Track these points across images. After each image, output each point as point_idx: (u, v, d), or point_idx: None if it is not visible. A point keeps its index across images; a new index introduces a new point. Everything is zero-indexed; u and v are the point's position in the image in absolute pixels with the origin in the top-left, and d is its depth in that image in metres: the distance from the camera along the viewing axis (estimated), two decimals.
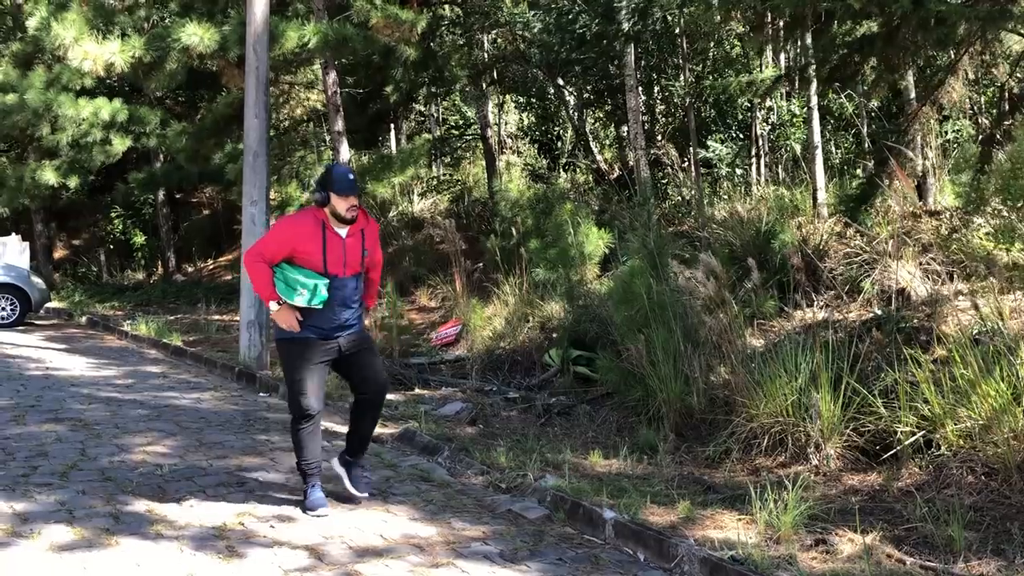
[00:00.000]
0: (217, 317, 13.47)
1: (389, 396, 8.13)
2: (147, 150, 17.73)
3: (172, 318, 13.50)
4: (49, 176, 15.89)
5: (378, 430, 6.95)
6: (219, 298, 14.89)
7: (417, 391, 8.39)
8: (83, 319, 15.54)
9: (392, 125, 17.21)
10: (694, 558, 4.09)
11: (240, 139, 10.96)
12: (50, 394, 8.28)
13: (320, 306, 4.71)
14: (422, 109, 18.18)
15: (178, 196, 21.66)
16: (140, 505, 4.97)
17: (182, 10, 12.45)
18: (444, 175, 17.27)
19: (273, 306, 4.74)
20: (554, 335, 8.95)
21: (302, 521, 4.80)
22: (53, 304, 16.61)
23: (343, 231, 4.77)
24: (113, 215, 21.83)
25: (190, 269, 19.91)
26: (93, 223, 22.89)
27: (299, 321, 4.73)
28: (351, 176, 4.71)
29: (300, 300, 4.67)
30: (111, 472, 5.63)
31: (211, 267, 19.86)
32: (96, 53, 9.87)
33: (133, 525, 4.63)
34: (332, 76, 12.31)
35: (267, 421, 7.23)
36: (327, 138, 13.73)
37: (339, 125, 12.28)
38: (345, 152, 12.34)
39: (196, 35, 10.10)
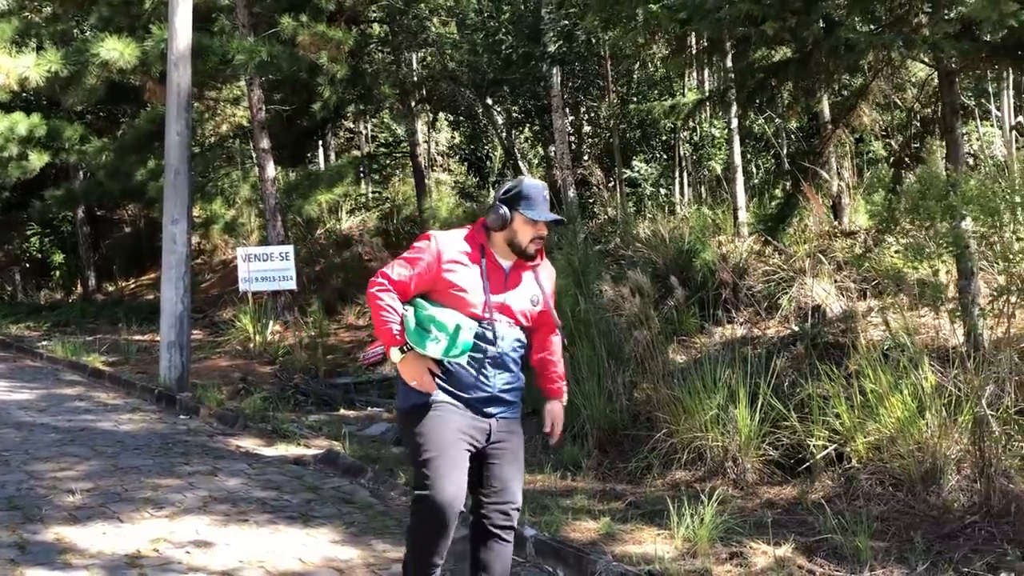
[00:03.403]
0: (138, 337, 13.13)
1: (313, 416, 8.09)
2: (66, 166, 17.24)
3: (91, 338, 13.11)
4: None
5: (300, 451, 6.89)
6: (141, 318, 14.51)
7: (342, 412, 8.31)
8: None
9: (320, 142, 17.08)
10: (612, 574, 4.14)
11: (163, 155, 10.76)
12: None
13: (461, 359, 3.29)
14: (351, 126, 18.09)
15: (99, 213, 21.08)
16: (49, 534, 4.81)
17: (102, 24, 12.18)
18: (373, 193, 17.20)
19: (396, 354, 3.28)
20: None
21: (219, 546, 4.71)
22: None
23: (507, 263, 3.43)
24: (30, 233, 21.13)
25: (111, 288, 19.37)
26: (8, 241, 22.12)
27: (433, 377, 3.32)
28: (547, 195, 3.42)
29: (435, 349, 3.23)
30: (18, 500, 5.43)
31: (133, 286, 19.35)
32: (9, 67, 9.60)
33: (40, 555, 4.48)
34: (257, 93, 12.18)
35: (186, 444, 7.08)
36: (253, 155, 13.55)
37: (264, 143, 12.15)
38: (271, 170, 12.21)
39: (116, 50, 9.91)
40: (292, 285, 11.26)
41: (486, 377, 3.33)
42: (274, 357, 10.69)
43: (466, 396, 3.33)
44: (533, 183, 3.40)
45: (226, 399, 8.68)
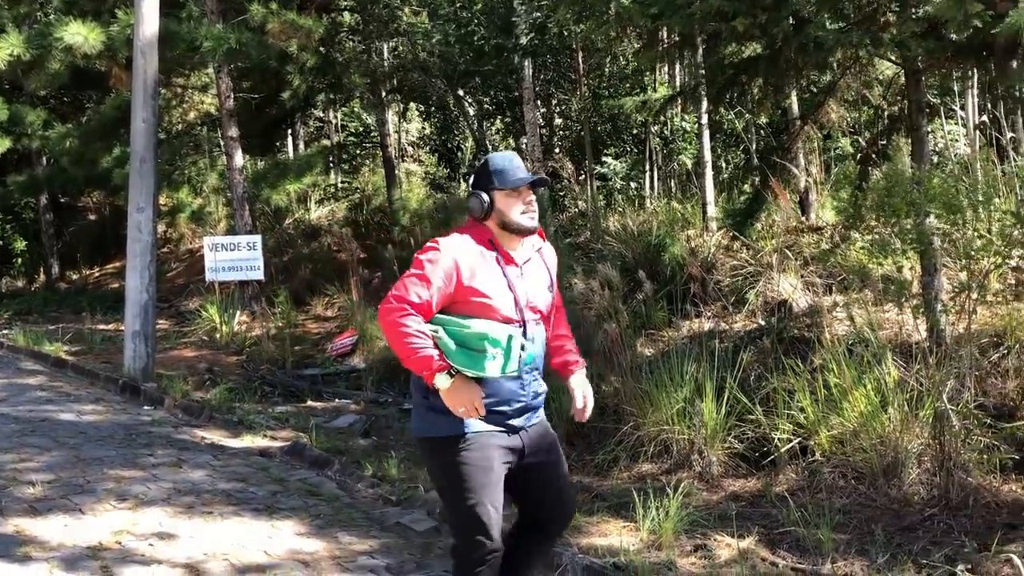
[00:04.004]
0: (102, 327, 12.94)
1: (280, 408, 8.03)
2: (29, 152, 16.93)
3: (54, 327, 12.89)
4: None
5: (266, 443, 6.84)
6: (105, 307, 14.31)
7: (310, 403, 8.26)
8: None
9: (289, 131, 16.93)
10: (577, 566, 4.16)
11: (128, 143, 10.61)
12: None
13: (516, 373, 3.03)
14: (321, 116, 17.94)
15: (63, 200, 20.71)
16: (8, 526, 4.74)
17: (66, 7, 11.96)
18: (343, 183, 17.08)
19: (444, 380, 2.92)
20: None
21: (183, 538, 4.67)
22: None
23: (519, 253, 3.14)
24: None
25: (75, 276, 19.08)
26: None
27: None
28: (518, 161, 3.14)
29: (494, 367, 2.94)
30: None
31: (97, 274, 19.08)
32: None
33: (0, 548, 4.42)
34: (226, 81, 12.04)
35: (151, 435, 7.00)
36: (221, 143, 13.40)
37: (233, 131, 12.02)
38: (239, 158, 12.08)
39: (80, 35, 9.74)
40: (260, 275, 11.18)
41: (523, 386, 3.07)
42: (241, 348, 10.60)
43: (503, 411, 3.04)
44: (499, 155, 3.15)
45: (191, 390, 8.59)
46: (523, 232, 3.09)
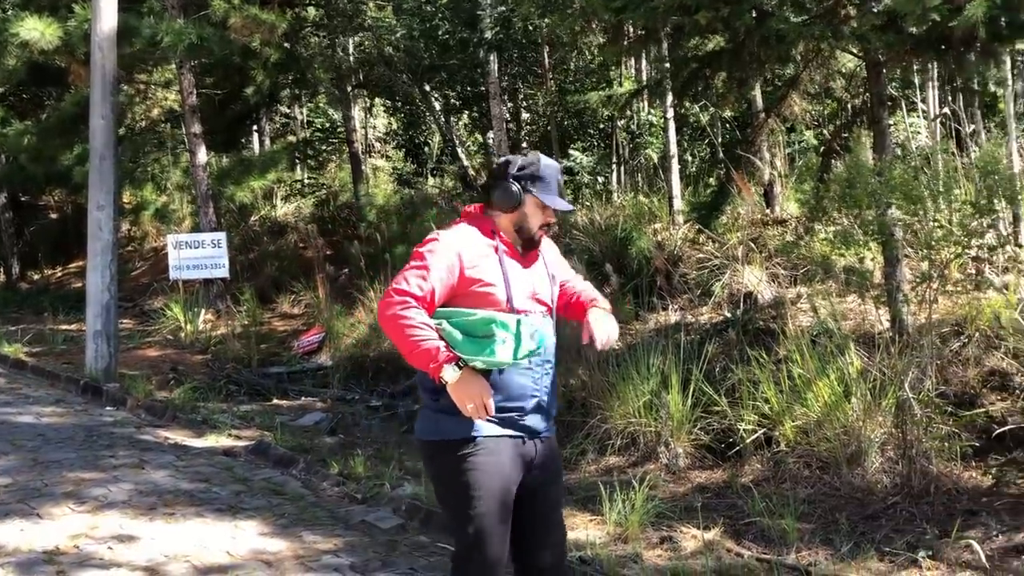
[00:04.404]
0: (64, 327, 12.72)
1: (245, 407, 7.94)
2: None
3: (14, 328, 12.65)
4: None
5: (230, 442, 6.76)
6: (67, 307, 14.06)
7: (276, 402, 8.18)
8: None
9: (255, 127, 16.74)
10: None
11: (88, 140, 10.42)
12: None
13: (530, 359, 2.84)
14: (286, 111, 17.77)
15: (23, 199, 20.36)
16: None
17: (24, 2, 11.73)
18: (309, 179, 16.94)
19: (452, 372, 2.73)
20: None
21: (144, 540, 4.59)
22: None
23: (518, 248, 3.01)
24: None
25: (36, 276, 18.75)
26: None
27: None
28: (561, 178, 3.03)
29: (505, 352, 2.75)
30: None
31: (60, 274, 18.76)
32: None
33: None
34: (189, 77, 11.87)
35: (112, 436, 6.88)
36: (185, 140, 13.21)
37: (196, 127, 11.85)
38: (203, 155, 11.92)
39: (36, 30, 9.54)
40: (224, 273, 11.02)
41: (535, 379, 2.89)
42: (206, 347, 10.47)
43: (519, 408, 2.86)
44: (550, 163, 2.98)
45: (155, 390, 8.47)
46: (532, 243, 2.97)
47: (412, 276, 2.81)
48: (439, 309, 2.83)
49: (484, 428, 2.81)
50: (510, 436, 2.85)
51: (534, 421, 2.89)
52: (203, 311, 11.30)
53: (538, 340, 2.80)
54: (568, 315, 3.16)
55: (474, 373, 2.76)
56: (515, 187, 2.91)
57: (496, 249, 2.90)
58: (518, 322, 2.77)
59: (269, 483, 5.75)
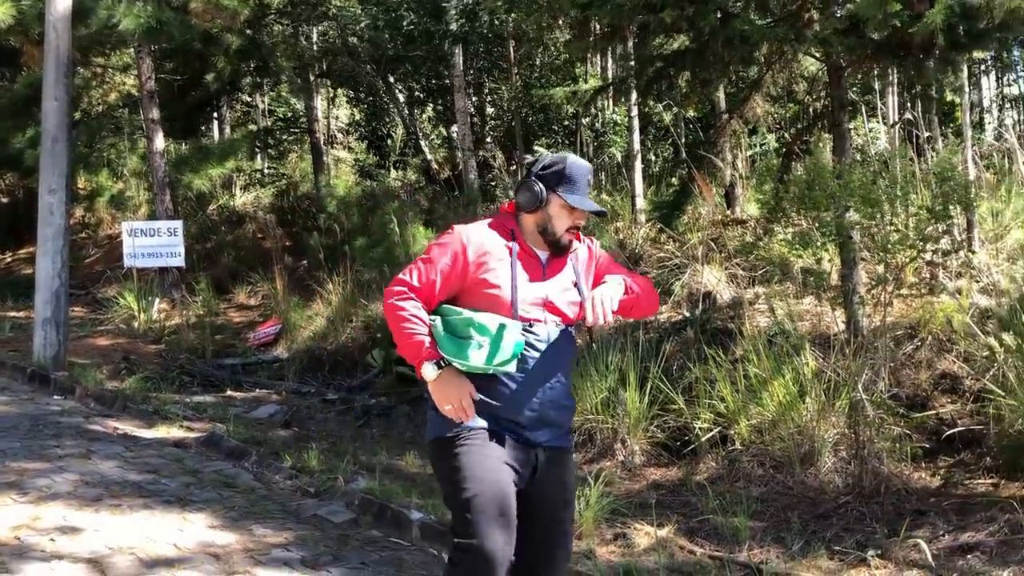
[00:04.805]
0: (13, 314, 12.42)
1: (198, 398, 7.81)
2: None
3: None
4: None
5: (182, 434, 6.64)
6: (17, 293, 13.71)
7: (230, 393, 8.06)
8: None
9: (215, 115, 16.49)
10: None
11: (41, 122, 10.17)
12: None
13: (509, 366, 2.72)
14: (248, 100, 17.52)
15: None
16: None
17: None
18: (269, 168, 16.72)
19: (431, 370, 2.72)
20: (378, 335, 8.82)
21: (88, 532, 4.47)
22: None
23: (544, 254, 2.87)
24: None
25: None
26: None
27: (474, 401, 2.75)
28: (591, 179, 2.89)
29: (478, 357, 2.68)
30: None
31: (9, 260, 18.32)
32: None
33: None
34: (147, 62, 11.64)
35: (59, 426, 6.72)
36: (143, 126, 12.96)
37: (154, 113, 11.63)
38: (160, 141, 11.70)
39: None
40: (180, 262, 10.86)
41: (535, 391, 2.76)
42: (159, 336, 10.28)
43: (509, 417, 2.74)
44: (579, 163, 2.85)
45: (106, 379, 8.30)
46: (558, 247, 2.83)
47: (416, 267, 2.78)
48: (442, 305, 2.77)
49: (476, 422, 2.73)
50: (507, 437, 2.74)
51: (533, 434, 2.77)
52: (157, 300, 11.10)
53: (512, 351, 2.68)
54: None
55: (456, 373, 2.69)
56: (538, 187, 2.79)
57: (511, 251, 2.78)
58: (501, 327, 2.66)
59: (220, 475, 5.65)
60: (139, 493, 5.14)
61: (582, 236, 2.93)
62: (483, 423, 2.73)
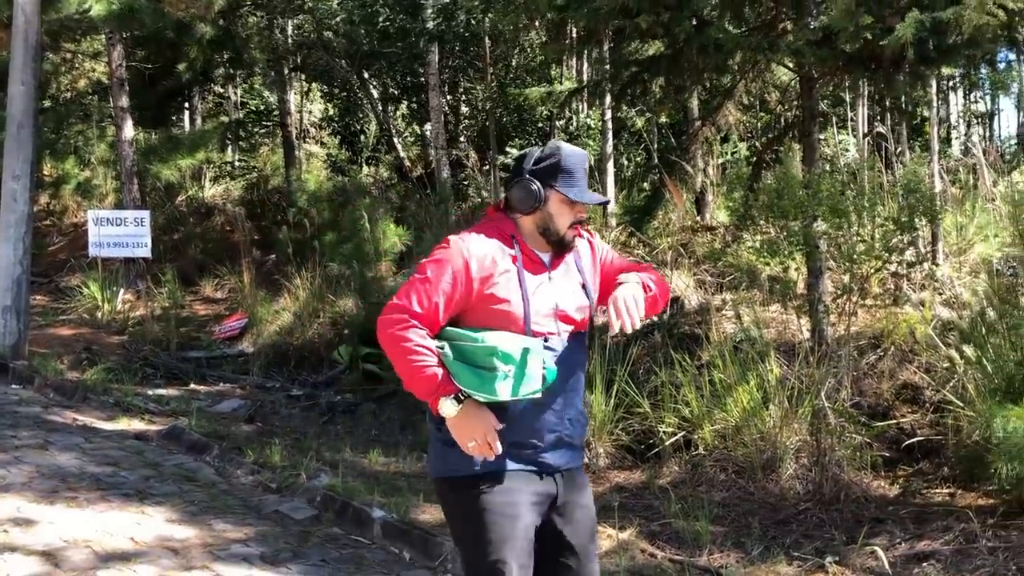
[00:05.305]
0: None
1: (160, 391, 7.71)
2: None
3: None
4: None
5: (143, 426, 6.56)
6: None
7: (193, 387, 7.97)
8: None
9: (186, 105, 16.30)
10: (457, 556, 4.10)
11: (6, 107, 10.01)
12: None
13: (537, 395, 2.46)
14: (221, 91, 17.34)
15: None
16: None
17: None
18: (240, 161, 16.57)
19: (450, 407, 2.43)
20: (345, 332, 8.78)
21: (42, 524, 4.40)
22: None
23: (546, 254, 2.62)
24: None
25: None
26: None
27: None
28: (586, 167, 2.63)
29: (505, 389, 2.40)
30: None
31: None
32: None
33: None
34: (118, 49, 11.49)
35: (16, 416, 6.60)
36: (113, 114, 12.78)
37: (124, 101, 11.48)
38: (129, 130, 11.55)
39: None
40: (146, 253, 10.69)
41: (555, 411, 2.54)
42: (123, 327, 10.14)
43: (531, 445, 2.51)
44: (574, 152, 2.59)
45: (66, 369, 8.18)
46: (562, 246, 2.59)
47: (414, 290, 2.46)
48: (446, 328, 2.49)
49: (494, 468, 2.48)
50: (525, 471, 2.51)
51: (553, 457, 2.55)
52: (122, 291, 10.96)
53: (549, 374, 2.45)
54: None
55: (478, 406, 2.43)
56: (535, 185, 2.53)
57: (514, 259, 2.52)
58: (524, 352, 2.41)
59: (181, 469, 5.58)
60: (97, 485, 5.07)
61: (581, 231, 2.69)
62: (500, 465, 2.48)
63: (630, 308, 2.51)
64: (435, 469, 2.59)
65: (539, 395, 2.44)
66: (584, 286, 2.62)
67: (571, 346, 2.57)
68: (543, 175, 2.54)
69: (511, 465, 2.48)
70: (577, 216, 2.58)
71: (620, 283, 2.62)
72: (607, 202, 2.61)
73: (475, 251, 2.49)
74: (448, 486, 2.55)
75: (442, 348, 2.45)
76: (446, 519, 2.67)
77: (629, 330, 2.50)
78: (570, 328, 2.57)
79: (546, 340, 2.49)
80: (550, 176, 2.54)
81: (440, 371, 2.42)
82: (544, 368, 2.44)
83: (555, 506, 2.56)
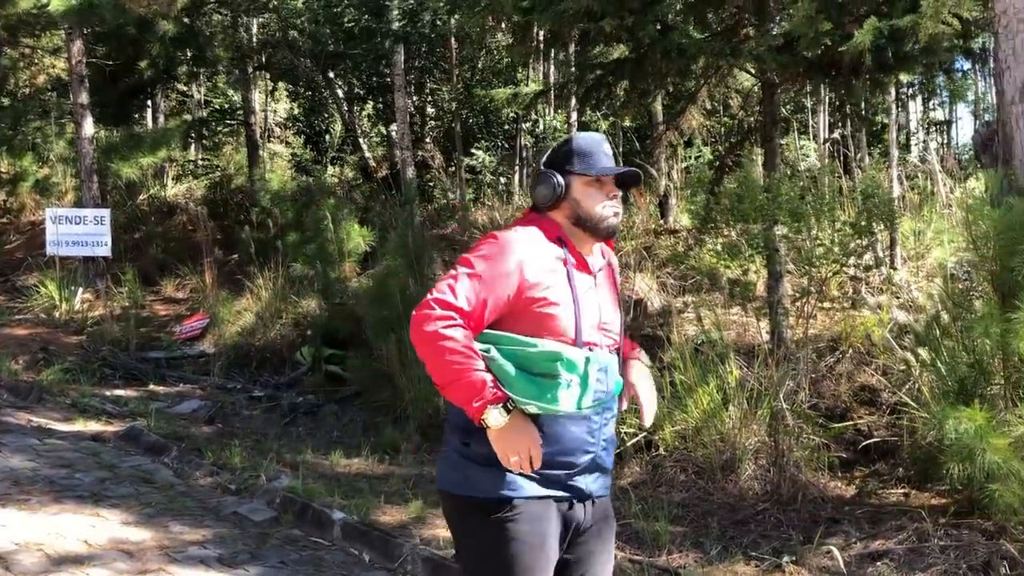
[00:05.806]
0: None
1: (119, 391, 7.61)
2: None
3: None
4: None
5: (100, 427, 6.46)
6: None
7: (153, 388, 7.87)
8: None
9: (149, 102, 16.10)
10: (417, 557, 4.09)
11: None
12: None
13: (595, 407, 2.29)
14: (184, 89, 17.15)
15: None
16: None
17: None
18: (203, 160, 16.39)
19: (497, 417, 2.17)
20: (308, 332, 8.72)
21: None
22: None
23: (593, 259, 2.43)
24: None
25: None
26: None
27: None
28: (608, 148, 2.43)
29: (568, 399, 2.20)
30: None
31: None
32: None
33: None
34: (78, 45, 11.31)
35: None
36: (72, 110, 12.59)
37: (83, 98, 11.30)
38: (89, 127, 11.38)
39: None
40: (106, 251, 10.58)
41: (592, 431, 2.31)
42: (81, 327, 9.98)
43: (566, 464, 2.29)
44: (588, 135, 2.44)
45: (22, 370, 8.04)
46: (602, 232, 2.39)
47: (460, 286, 2.22)
48: (486, 331, 2.25)
49: (524, 487, 2.25)
50: (555, 497, 2.29)
51: (586, 481, 2.33)
52: (81, 290, 10.79)
53: (614, 386, 2.32)
54: None
55: (524, 419, 2.20)
56: (554, 177, 2.37)
57: (564, 261, 2.32)
58: (587, 361, 2.22)
59: (138, 471, 5.51)
60: (51, 488, 4.99)
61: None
62: (532, 490, 2.26)
63: (654, 401, 2.50)
64: (453, 484, 2.33)
65: (597, 406, 2.28)
66: (619, 304, 2.47)
67: (613, 364, 2.38)
68: (559, 164, 2.40)
69: (539, 491, 2.27)
70: (609, 195, 2.39)
71: (636, 358, 2.52)
72: (638, 173, 2.47)
73: (528, 248, 2.28)
74: (466, 507, 2.31)
75: (487, 352, 2.22)
76: (455, 537, 2.42)
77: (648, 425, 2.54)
78: (611, 342, 2.39)
79: (591, 351, 2.29)
80: (566, 162, 2.39)
81: (488, 376, 2.18)
82: (605, 377, 2.30)
83: (578, 534, 2.35)
